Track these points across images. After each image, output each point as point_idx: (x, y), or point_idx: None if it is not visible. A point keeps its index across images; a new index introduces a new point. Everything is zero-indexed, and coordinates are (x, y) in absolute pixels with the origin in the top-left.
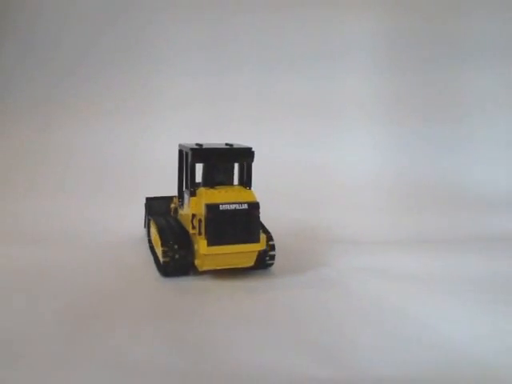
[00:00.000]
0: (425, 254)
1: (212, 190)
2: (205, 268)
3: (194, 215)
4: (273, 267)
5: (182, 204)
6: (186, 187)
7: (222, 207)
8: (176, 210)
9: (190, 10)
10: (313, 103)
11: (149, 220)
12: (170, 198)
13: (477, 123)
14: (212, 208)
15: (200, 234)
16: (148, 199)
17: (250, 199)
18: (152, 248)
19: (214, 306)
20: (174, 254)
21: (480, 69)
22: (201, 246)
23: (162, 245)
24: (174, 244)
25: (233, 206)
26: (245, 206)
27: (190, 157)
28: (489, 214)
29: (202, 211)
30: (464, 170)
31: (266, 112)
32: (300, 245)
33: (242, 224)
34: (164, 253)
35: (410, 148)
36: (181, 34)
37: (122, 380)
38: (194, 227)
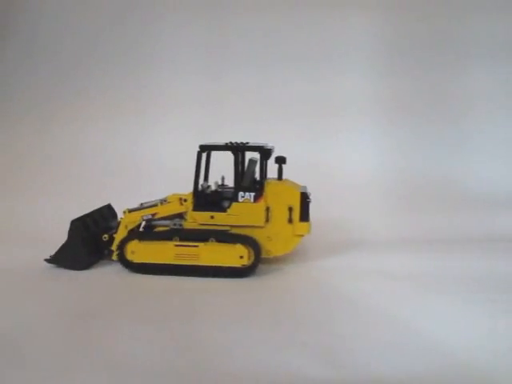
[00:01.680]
0: (425, 254)
1: (280, 182)
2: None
3: (268, 208)
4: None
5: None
6: (244, 186)
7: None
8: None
9: (190, 10)
10: (313, 103)
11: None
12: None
13: (476, 123)
14: (305, 195)
15: (290, 220)
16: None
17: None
18: None
19: (213, 306)
20: None
21: (479, 69)
22: (300, 228)
23: None
24: None
25: (308, 192)
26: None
27: (262, 156)
28: (489, 213)
29: (286, 200)
30: (464, 169)
31: (266, 112)
32: (300, 245)
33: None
34: None
35: (410, 148)
36: (181, 34)
37: (122, 380)
38: (267, 220)
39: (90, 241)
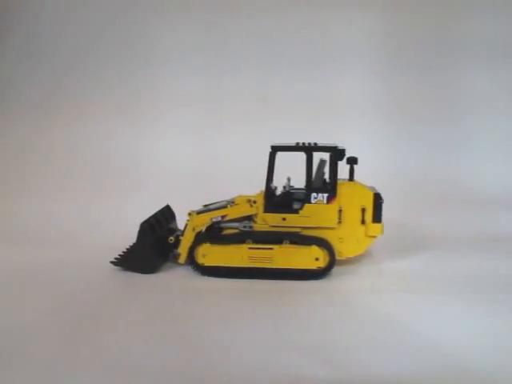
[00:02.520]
0: (424, 254)
1: (353, 183)
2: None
3: (341, 209)
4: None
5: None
6: (316, 187)
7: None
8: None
9: (190, 10)
10: (312, 104)
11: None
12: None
13: (476, 123)
14: (378, 196)
15: (363, 221)
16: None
17: None
18: None
19: (216, 307)
20: None
21: (479, 69)
22: (373, 229)
23: None
24: None
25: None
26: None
27: (334, 156)
28: (489, 213)
29: (359, 201)
30: (463, 169)
31: (266, 112)
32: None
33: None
34: None
35: (410, 148)
36: (181, 34)
37: (122, 380)
38: (340, 221)
39: (157, 243)
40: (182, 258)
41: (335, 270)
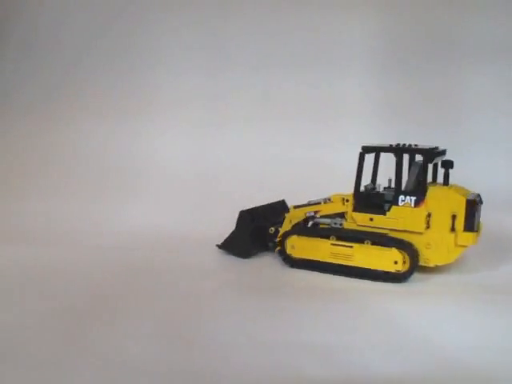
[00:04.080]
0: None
1: (445, 187)
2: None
3: (429, 213)
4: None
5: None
6: (406, 190)
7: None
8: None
9: (189, 10)
10: (312, 104)
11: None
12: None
13: (476, 123)
14: (471, 203)
15: (453, 229)
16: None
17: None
18: None
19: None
20: None
21: (478, 69)
22: (464, 238)
23: None
24: None
25: (477, 199)
26: (479, 199)
27: (425, 158)
28: (488, 213)
29: (450, 207)
30: (463, 169)
31: (265, 112)
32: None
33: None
34: None
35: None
36: (181, 34)
37: (121, 379)
38: (428, 226)
39: (256, 232)
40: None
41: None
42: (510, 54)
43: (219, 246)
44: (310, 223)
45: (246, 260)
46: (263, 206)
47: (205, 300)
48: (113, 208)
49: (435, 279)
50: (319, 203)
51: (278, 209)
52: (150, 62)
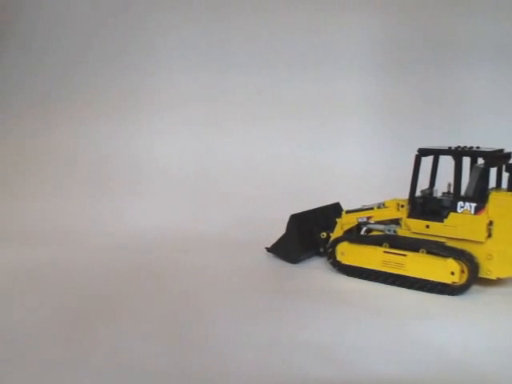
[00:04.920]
0: None
1: (507, 194)
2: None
3: (491, 221)
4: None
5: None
6: (468, 195)
7: None
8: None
9: (189, 10)
10: (311, 104)
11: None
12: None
13: (476, 123)
14: None
15: None
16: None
17: None
18: None
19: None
20: None
21: (477, 70)
22: None
23: None
24: None
25: None
26: None
27: (487, 162)
28: None
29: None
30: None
31: (264, 112)
32: None
33: None
34: None
35: (410, 148)
36: (180, 33)
37: (122, 379)
38: (489, 235)
39: (306, 237)
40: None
41: None
42: (511, 54)
43: (268, 249)
44: (364, 229)
45: (252, 261)
46: (315, 209)
47: (205, 300)
48: (113, 208)
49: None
50: (372, 208)
51: (331, 212)
52: (150, 61)
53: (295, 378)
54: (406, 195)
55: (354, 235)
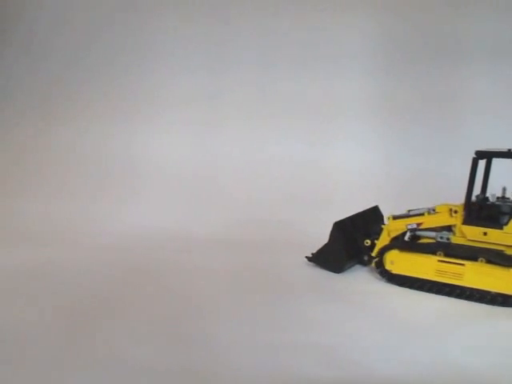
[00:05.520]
0: None
1: None
2: None
3: None
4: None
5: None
6: None
7: None
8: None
9: (189, 9)
10: (311, 104)
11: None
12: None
13: (477, 123)
14: None
15: None
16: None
17: None
18: None
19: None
20: None
21: (479, 69)
22: None
23: None
24: None
25: None
26: None
27: None
28: None
29: None
30: (463, 170)
31: (264, 111)
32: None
33: None
34: None
35: (409, 149)
36: (179, 33)
37: (122, 379)
38: None
39: (350, 244)
40: (374, 262)
41: None
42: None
43: (309, 259)
44: (408, 235)
45: (252, 261)
46: (355, 214)
47: (205, 300)
48: (113, 208)
49: None
50: (422, 214)
51: (370, 217)
52: (149, 61)
53: (295, 378)
54: (406, 196)
55: (405, 243)
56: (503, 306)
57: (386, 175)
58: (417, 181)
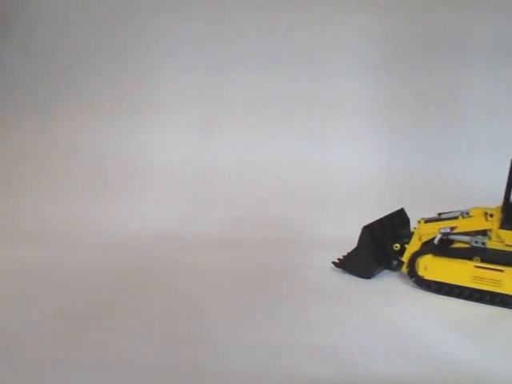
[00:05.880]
0: None
1: None
2: None
3: None
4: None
5: None
6: None
7: None
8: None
9: (189, 8)
10: (311, 104)
11: None
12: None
13: (477, 124)
14: None
15: None
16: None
17: None
18: None
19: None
20: None
21: (479, 70)
22: None
23: None
24: None
25: None
26: None
27: None
28: None
29: None
30: (463, 171)
31: (263, 112)
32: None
33: None
34: None
35: (409, 149)
36: (179, 33)
37: (122, 379)
38: None
39: (379, 249)
40: (405, 268)
41: None
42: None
43: (336, 265)
44: (436, 240)
45: (253, 261)
46: (383, 218)
47: (205, 299)
48: (113, 208)
49: None
50: (456, 218)
51: (397, 220)
52: (149, 61)
53: (295, 378)
54: (406, 196)
55: (440, 248)
56: None
57: (387, 175)
58: (417, 181)
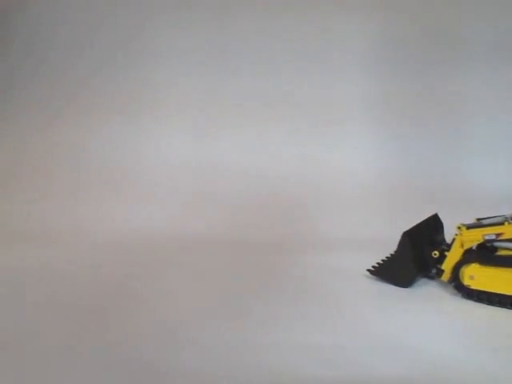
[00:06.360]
0: None
1: None
2: None
3: None
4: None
5: None
6: None
7: None
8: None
9: (190, 9)
10: (311, 104)
11: None
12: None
13: (477, 124)
14: None
15: None
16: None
17: None
18: None
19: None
20: None
21: (479, 70)
22: None
23: None
24: None
25: None
26: None
27: None
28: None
29: None
30: (463, 170)
31: (263, 113)
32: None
33: None
34: None
35: (409, 149)
36: (181, 34)
37: (122, 379)
38: None
39: (419, 256)
40: (446, 276)
41: None
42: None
43: (372, 273)
44: (474, 246)
45: (253, 261)
46: (420, 224)
47: (205, 299)
48: (113, 208)
49: None
50: (501, 223)
51: (433, 226)
52: (150, 62)
53: (295, 378)
54: (407, 196)
55: (487, 256)
56: None
57: (387, 175)
58: (417, 181)
